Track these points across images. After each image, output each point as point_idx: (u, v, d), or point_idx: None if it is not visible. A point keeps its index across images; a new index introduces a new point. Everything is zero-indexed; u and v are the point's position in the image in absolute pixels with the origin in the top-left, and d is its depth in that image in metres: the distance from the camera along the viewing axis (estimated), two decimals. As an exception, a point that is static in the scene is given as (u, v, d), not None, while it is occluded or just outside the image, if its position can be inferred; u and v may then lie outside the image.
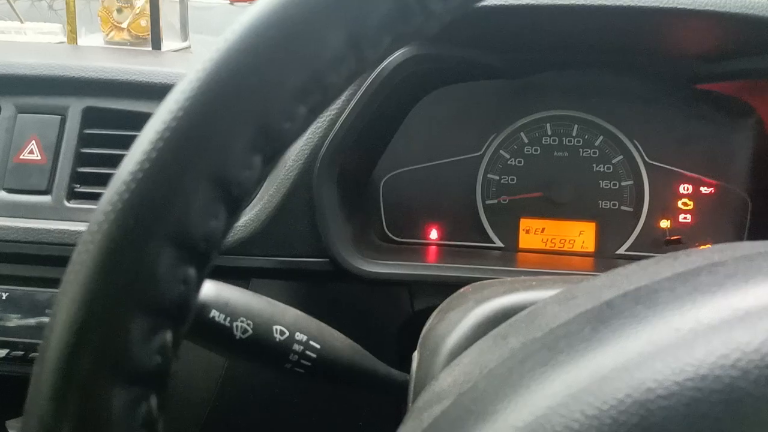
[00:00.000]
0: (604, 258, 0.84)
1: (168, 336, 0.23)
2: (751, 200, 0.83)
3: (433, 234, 0.87)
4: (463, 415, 0.24)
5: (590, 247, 0.85)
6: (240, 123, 0.22)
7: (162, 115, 0.22)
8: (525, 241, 0.86)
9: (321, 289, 0.76)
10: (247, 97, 0.22)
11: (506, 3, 0.66)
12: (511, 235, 0.86)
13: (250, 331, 0.44)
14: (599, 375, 0.20)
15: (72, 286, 0.22)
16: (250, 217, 0.72)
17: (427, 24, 0.24)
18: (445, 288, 0.49)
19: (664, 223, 0.84)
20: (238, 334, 0.44)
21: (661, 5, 0.64)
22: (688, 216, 0.84)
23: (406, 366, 0.46)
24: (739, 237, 0.83)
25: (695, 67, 0.77)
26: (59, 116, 0.77)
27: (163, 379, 0.23)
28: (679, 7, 0.64)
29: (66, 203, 0.75)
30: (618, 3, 0.65)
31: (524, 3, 0.66)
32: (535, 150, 0.86)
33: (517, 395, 0.22)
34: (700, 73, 0.78)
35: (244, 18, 0.23)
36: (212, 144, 0.22)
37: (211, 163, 0.22)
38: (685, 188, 0.84)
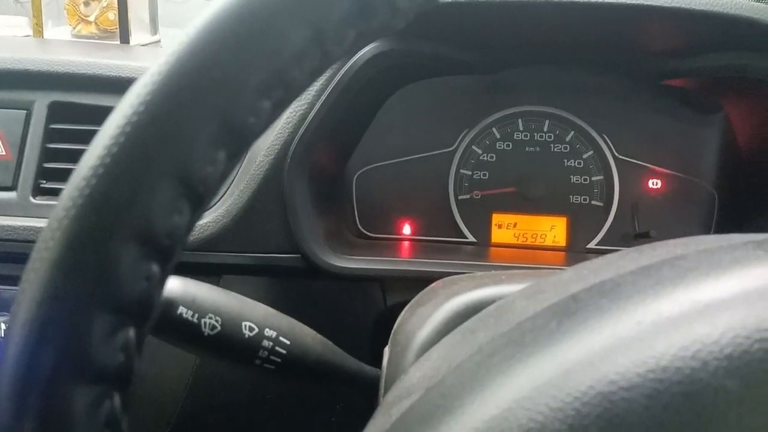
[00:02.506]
0: (575, 252, 0.85)
1: (131, 333, 0.22)
2: (718, 194, 0.84)
3: (406, 229, 0.87)
4: (430, 410, 0.24)
5: (561, 241, 0.86)
6: (203, 118, 0.22)
7: (123, 110, 0.22)
8: (497, 235, 0.86)
9: (293, 285, 0.75)
10: (210, 92, 0.22)
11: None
12: (483, 230, 0.87)
13: (219, 328, 0.44)
14: (563, 368, 0.20)
15: (32, 283, 0.22)
16: (220, 212, 0.72)
17: (393, 20, 0.24)
18: (418, 283, 0.49)
19: (634, 218, 0.85)
20: (206, 330, 0.44)
21: (628, 2, 0.65)
22: (657, 210, 0.85)
23: (379, 361, 0.46)
24: (706, 230, 0.85)
25: (663, 63, 0.78)
26: (24, 111, 0.75)
27: (127, 378, 0.22)
28: (646, 4, 0.65)
29: (32, 199, 0.74)
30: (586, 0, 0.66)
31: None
32: (507, 145, 0.87)
33: (484, 389, 0.22)
34: (667, 70, 0.79)
35: (207, 12, 0.23)
36: (175, 139, 0.22)
37: (173, 158, 0.22)
38: (654, 183, 0.85)
